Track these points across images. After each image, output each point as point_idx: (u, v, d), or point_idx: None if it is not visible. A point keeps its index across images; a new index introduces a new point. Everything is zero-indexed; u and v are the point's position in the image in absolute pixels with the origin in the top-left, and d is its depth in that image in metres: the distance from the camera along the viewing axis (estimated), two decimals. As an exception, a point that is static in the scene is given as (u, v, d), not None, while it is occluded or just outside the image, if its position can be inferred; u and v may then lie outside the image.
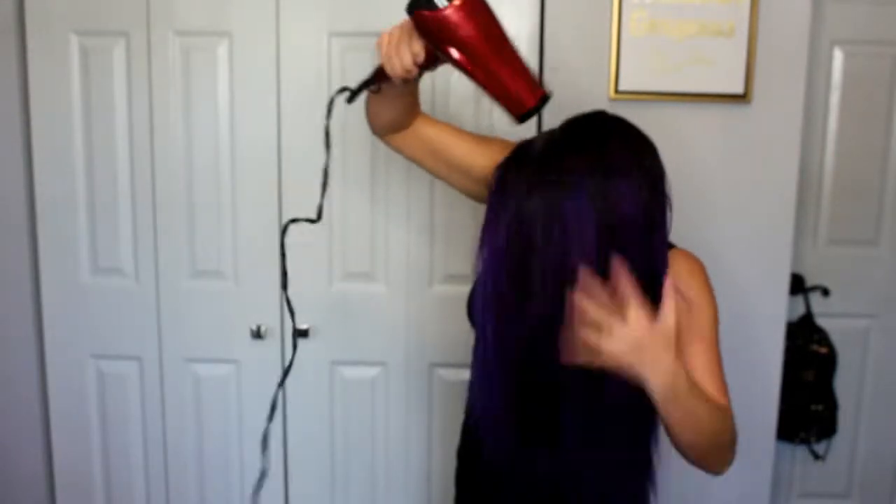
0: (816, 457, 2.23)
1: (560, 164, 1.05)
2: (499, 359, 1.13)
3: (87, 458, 2.08)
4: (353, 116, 1.91)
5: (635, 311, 0.91)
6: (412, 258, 1.95)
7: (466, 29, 1.00)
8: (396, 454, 2.04)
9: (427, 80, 1.88)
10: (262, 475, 1.35)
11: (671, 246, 1.17)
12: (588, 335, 0.92)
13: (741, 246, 1.89)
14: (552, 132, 1.12)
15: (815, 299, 2.18)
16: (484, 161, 1.25)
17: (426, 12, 0.99)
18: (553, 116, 1.89)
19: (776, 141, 1.86)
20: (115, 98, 1.92)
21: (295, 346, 1.33)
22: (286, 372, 1.28)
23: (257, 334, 1.97)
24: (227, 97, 1.91)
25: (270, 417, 1.32)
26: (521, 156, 1.09)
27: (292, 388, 2.01)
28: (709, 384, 1.12)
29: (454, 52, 1.02)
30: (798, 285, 2.14)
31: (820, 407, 2.18)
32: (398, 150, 1.36)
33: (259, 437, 2.03)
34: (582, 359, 0.94)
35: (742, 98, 1.82)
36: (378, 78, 1.14)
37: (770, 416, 1.96)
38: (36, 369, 2.04)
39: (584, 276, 0.94)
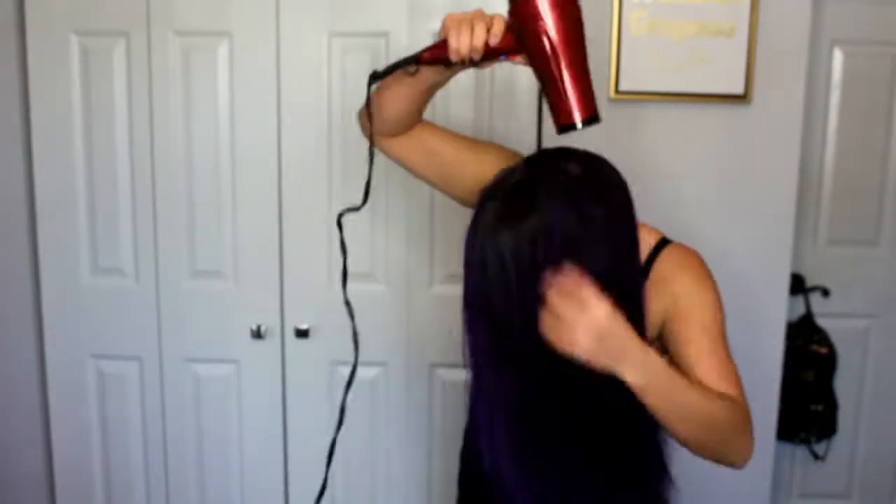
0: (816, 457, 2.23)
1: (531, 202, 0.99)
2: (496, 402, 1.10)
3: (87, 458, 2.08)
4: (352, 117, 1.91)
5: (590, 302, 0.91)
6: (412, 258, 1.95)
7: (565, 13, 0.99)
8: (396, 454, 2.04)
9: (427, 80, 1.88)
10: (323, 488, 1.34)
11: (666, 242, 1.17)
12: (556, 330, 0.92)
13: (741, 246, 1.89)
14: (528, 165, 1.07)
15: (815, 299, 2.18)
16: (475, 168, 1.23)
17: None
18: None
19: (776, 141, 1.86)
20: (115, 98, 1.92)
21: (356, 346, 1.28)
22: (350, 379, 1.26)
23: (257, 334, 1.97)
24: (227, 97, 1.91)
25: (338, 428, 1.30)
26: (494, 187, 1.05)
27: (292, 388, 2.01)
28: (713, 376, 1.10)
29: (543, 37, 0.99)
30: (798, 285, 2.14)
31: (820, 407, 2.18)
32: (393, 155, 1.32)
33: (259, 437, 2.03)
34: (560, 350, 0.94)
35: (742, 98, 1.82)
36: (424, 58, 1.08)
37: (770, 416, 1.96)
38: (36, 369, 2.04)
39: (560, 271, 0.93)
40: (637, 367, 0.94)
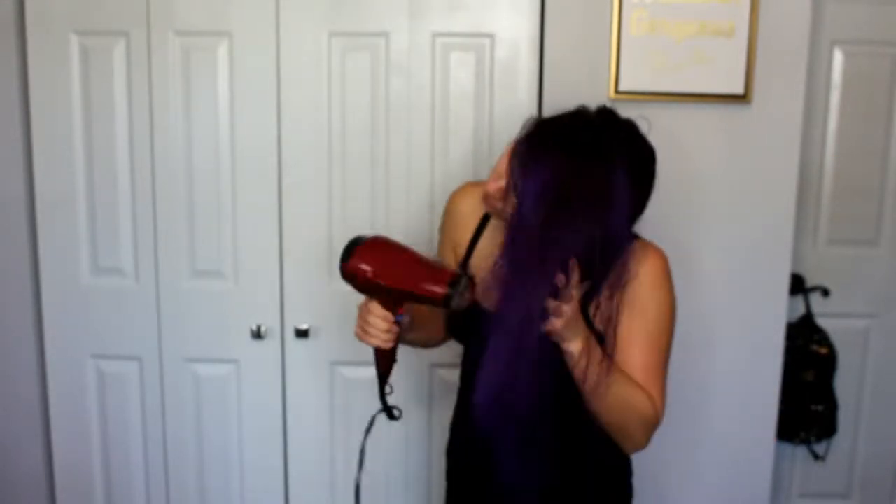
0: (816, 457, 2.23)
1: (607, 142, 1.13)
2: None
3: (87, 458, 2.08)
4: (352, 117, 1.91)
5: (574, 296, 1.06)
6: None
7: (375, 258, 1.22)
8: (396, 454, 2.04)
9: (426, 77, 1.88)
10: (357, 491, 1.37)
11: (636, 237, 1.23)
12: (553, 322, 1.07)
13: (741, 246, 1.89)
14: (582, 114, 1.20)
15: (815, 299, 2.18)
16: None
17: (347, 263, 1.22)
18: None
19: (776, 141, 1.86)
20: (115, 98, 1.92)
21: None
22: (382, 390, 1.31)
23: (257, 334, 1.97)
24: (227, 97, 1.91)
25: (367, 432, 1.34)
26: (556, 128, 1.17)
27: (292, 388, 2.01)
28: (647, 381, 1.18)
29: (377, 281, 1.20)
30: (798, 285, 2.14)
31: (820, 407, 2.18)
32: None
33: (259, 437, 2.03)
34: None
35: (742, 98, 1.82)
36: (382, 364, 1.28)
37: (770, 416, 1.96)
38: (36, 369, 2.04)
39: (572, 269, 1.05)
40: (581, 341, 1.10)
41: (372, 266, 1.20)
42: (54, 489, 2.10)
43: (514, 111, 1.88)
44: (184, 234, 1.96)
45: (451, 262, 1.38)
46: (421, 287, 1.18)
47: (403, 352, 1.97)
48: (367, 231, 1.94)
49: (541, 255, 1.06)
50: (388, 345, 1.24)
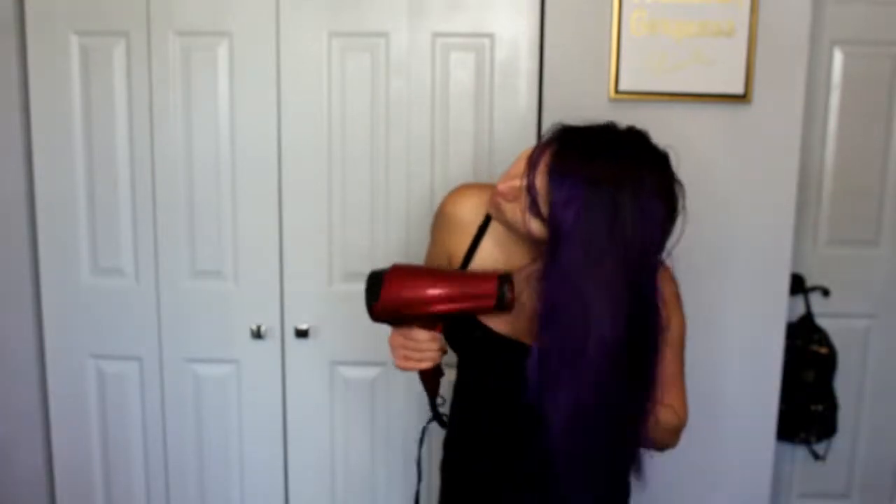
0: (816, 457, 2.23)
1: (644, 162, 1.08)
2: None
3: (87, 458, 2.08)
4: (352, 117, 1.91)
5: None
6: (412, 258, 1.95)
7: (413, 281, 1.14)
8: (396, 454, 2.04)
9: (426, 77, 1.88)
10: (417, 501, 1.41)
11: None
12: None
13: (741, 246, 1.89)
14: (619, 132, 1.11)
15: (815, 299, 2.18)
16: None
17: (381, 290, 1.13)
18: (554, 116, 1.89)
19: (776, 141, 1.86)
20: (115, 98, 1.92)
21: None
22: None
23: (257, 334, 1.97)
24: (227, 97, 1.91)
25: (421, 443, 1.37)
26: (594, 145, 1.08)
27: (292, 388, 2.01)
28: (672, 389, 1.20)
29: (424, 306, 1.13)
30: (798, 285, 2.14)
31: (820, 407, 2.18)
32: None
33: (259, 437, 2.03)
34: None
35: (742, 98, 1.82)
36: (430, 382, 1.27)
37: (770, 416, 1.96)
38: (36, 369, 2.04)
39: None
40: None
41: (408, 293, 1.13)
42: (54, 489, 2.10)
43: (513, 111, 1.88)
44: (184, 234, 1.96)
45: None
46: (469, 295, 1.12)
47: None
48: (367, 231, 1.97)
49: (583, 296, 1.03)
50: (439, 360, 1.20)
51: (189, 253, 1.97)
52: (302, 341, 1.97)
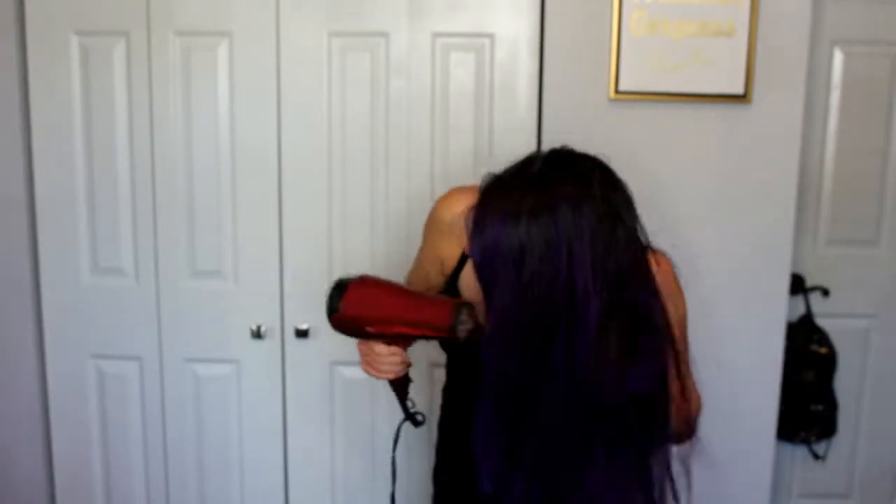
0: (816, 457, 2.23)
1: (559, 188, 1.03)
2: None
3: (87, 458, 2.08)
4: (352, 117, 1.91)
5: None
6: (412, 258, 1.95)
7: (367, 306, 1.15)
8: (397, 453, 2.03)
9: (426, 77, 1.88)
10: (392, 501, 1.41)
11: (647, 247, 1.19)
12: None
13: (741, 246, 1.89)
14: (530, 164, 1.09)
15: (815, 299, 2.18)
16: (430, 269, 1.31)
17: (336, 315, 1.14)
18: (554, 116, 1.89)
19: (776, 141, 1.86)
20: (115, 98, 1.92)
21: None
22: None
23: (257, 334, 1.97)
24: (227, 97, 1.91)
25: (395, 443, 1.34)
26: (506, 185, 1.07)
27: (292, 388, 2.01)
28: (684, 372, 1.18)
29: (374, 328, 1.14)
30: (798, 285, 2.14)
31: (820, 407, 2.18)
32: None
33: (259, 437, 2.03)
34: None
35: (742, 98, 1.82)
36: (399, 390, 1.25)
37: (770, 416, 1.96)
38: (36, 369, 2.04)
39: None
40: None
41: (366, 312, 1.14)
42: (54, 489, 2.10)
43: (513, 111, 1.88)
44: (184, 234, 1.96)
45: (434, 277, 1.31)
46: (423, 323, 1.13)
47: (403, 352, 1.99)
48: (367, 230, 1.97)
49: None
50: (403, 373, 1.21)
51: (189, 253, 1.97)
52: (302, 341, 1.97)
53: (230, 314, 1.98)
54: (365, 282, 1.16)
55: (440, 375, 1.99)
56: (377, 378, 1.21)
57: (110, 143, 1.94)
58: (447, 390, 1.36)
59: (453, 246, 1.24)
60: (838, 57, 2.10)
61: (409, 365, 1.21)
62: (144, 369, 2.03)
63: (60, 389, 2.05)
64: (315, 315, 1.97)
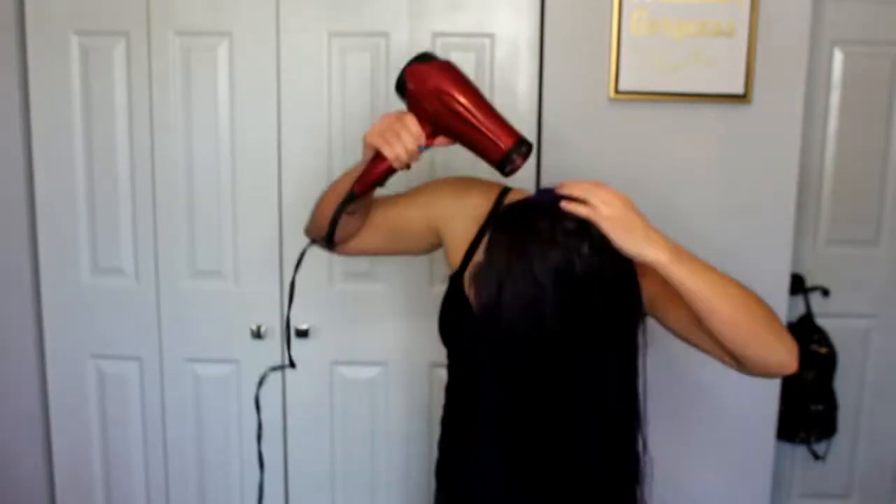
0: (816, 457, 2.23)
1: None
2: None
3: (87, 458, 2.08)
4: (352, 117, 1.91)
5: (605, 188, 1.02)
6: (412, 258, 1.95)
7: (453, 73, 1.12)
8: (396, 454, 2.04)
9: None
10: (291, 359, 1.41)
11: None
12: (579, 209, 1.01)
13: (741, 246, 1.89)
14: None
15: (815, 299, 2.18)
16: (419, 211, 1.29)
17: (424, 65, 1.12)
18: (554, 115, 1.89)
19: (776, 141, 1.86)
20: (115, 98, 1.92)
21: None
22: None
23: (257, 334, 1.97)
24: (227, 97, 1.91)
25: (297, 266, 1.30)
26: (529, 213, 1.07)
27: (292, 388, 2.01)
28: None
29: (452, 103, 1.10)
30: (798, 285, 2.14)
31: (820, 407, 2.18)
32: (357, 252, 1.36)
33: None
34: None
35: (742, 98, 1.82)
36: (367, 178, 1.18)
37: (770, 416, 1.96)
38: (36, 369, 2.04)
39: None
40: (660, 243, 1.02)
41: (450, 81, 1.11)
42: (54, 489, 2.10)
43: (513, 111, 1.88)
44: (184, 234, 1.96)
45: (417, 235, 1.31)
46: (488, 130, 1.10)
47: (403, 350, 1.99)
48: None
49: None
50: (399, 165, 1.14)
51: (189, 253, 1.97)
52: (302, 341, 1.97)
53: (230, 314, 1.98)
54: (453, 65, 1.14)
55: (440, 375, 1.99)
56: (382, 150, 1.13)
57: (110, 142, 1.94)
58: (449, 389, 1.37)
59: (467, 221, 1.24)
60: (838, 57, 2.10)
61: (408, 167, 1.16)
62: (144, 369, 2.03)
63: (60, 389, 2.05)
64: (315, 315, 1.97)
